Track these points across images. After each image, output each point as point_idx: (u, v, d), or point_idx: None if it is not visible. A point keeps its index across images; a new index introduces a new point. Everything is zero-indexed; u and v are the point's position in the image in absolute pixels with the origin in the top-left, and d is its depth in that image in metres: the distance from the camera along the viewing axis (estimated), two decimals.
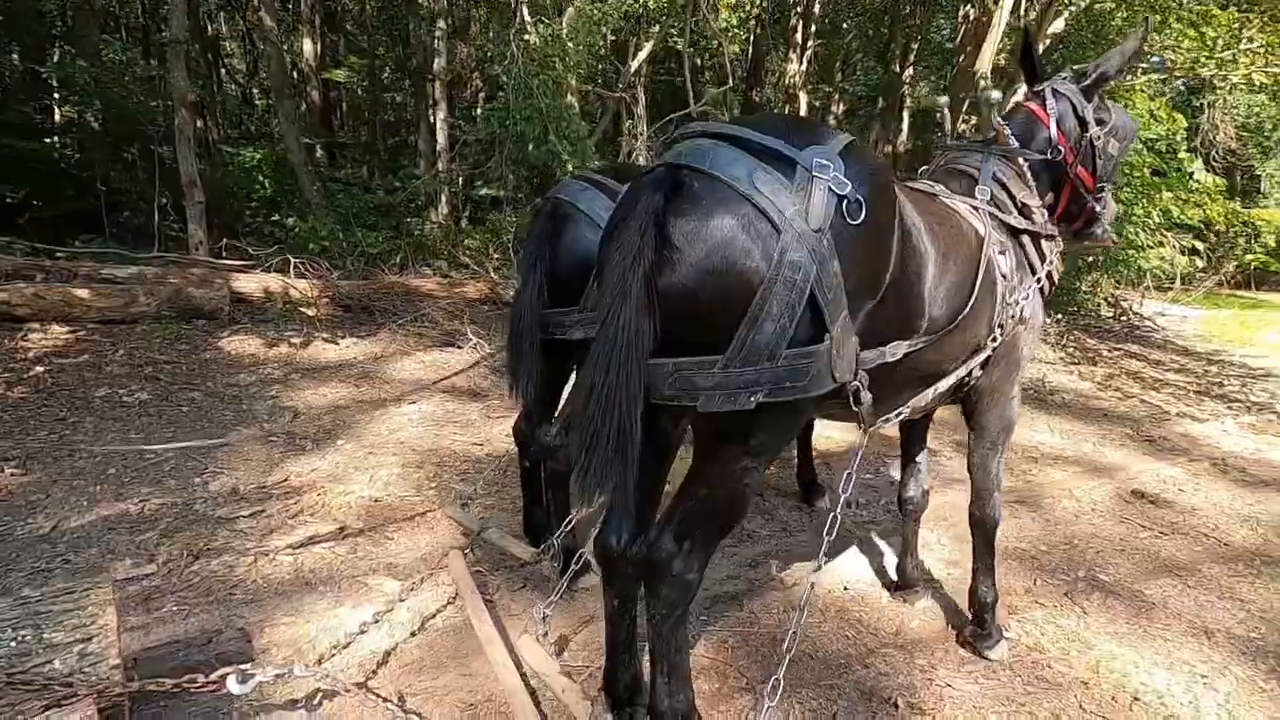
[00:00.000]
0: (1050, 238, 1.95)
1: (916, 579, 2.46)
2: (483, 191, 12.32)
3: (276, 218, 7.73)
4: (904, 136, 12.48)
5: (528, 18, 6.05)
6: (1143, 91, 8.91)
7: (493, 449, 3.74)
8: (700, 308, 1.28)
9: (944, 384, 1.74)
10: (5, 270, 5.16)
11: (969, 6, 7.34)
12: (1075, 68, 2.18)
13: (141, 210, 8.90)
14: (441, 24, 10.36)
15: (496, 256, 7.83)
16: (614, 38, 6.96)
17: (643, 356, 1.28)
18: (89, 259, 5.90)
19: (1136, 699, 1.99)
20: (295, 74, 11.60)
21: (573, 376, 2.47)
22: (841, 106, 12.92)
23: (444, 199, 10.48)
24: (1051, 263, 1.93)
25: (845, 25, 12.32)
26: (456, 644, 2.06)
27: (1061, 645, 2.23)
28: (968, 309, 1.66)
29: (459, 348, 5.64)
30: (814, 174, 1.29)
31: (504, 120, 5.49)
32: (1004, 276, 1.81)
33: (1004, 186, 1.97)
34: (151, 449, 3.30)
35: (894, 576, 2.53)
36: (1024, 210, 1.89)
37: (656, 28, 8.39)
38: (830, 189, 1.29)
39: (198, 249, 6.25)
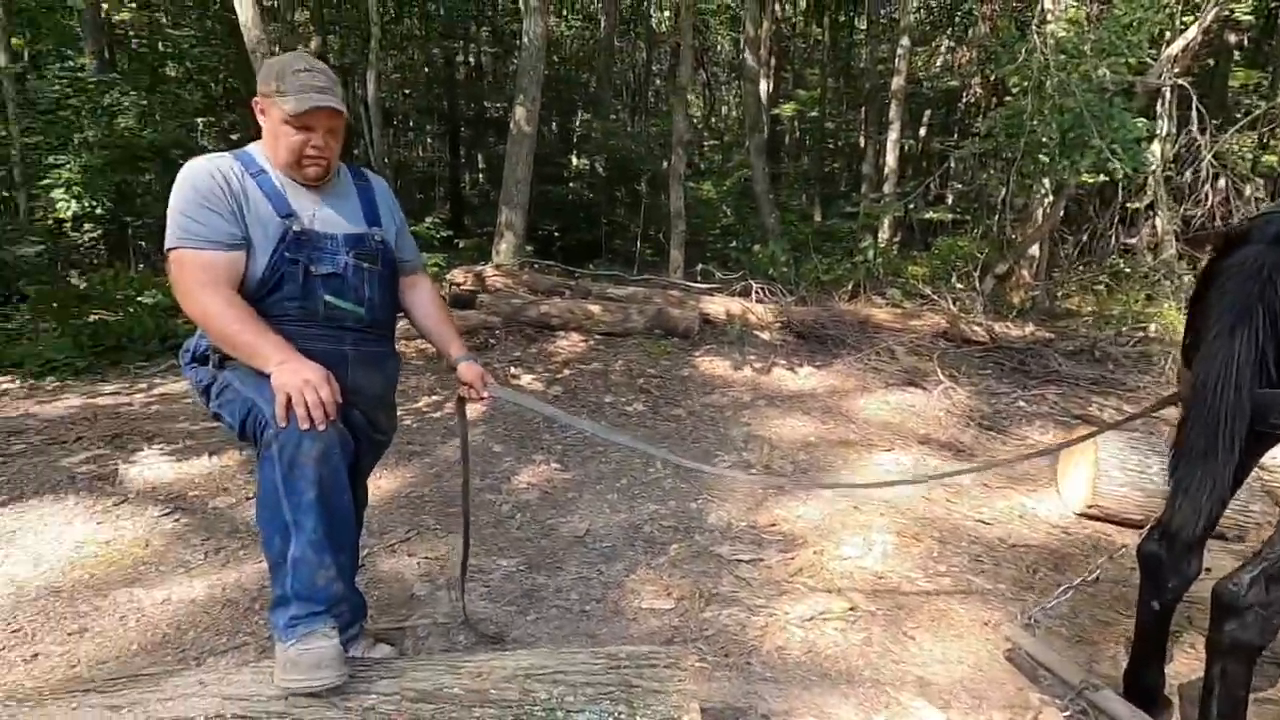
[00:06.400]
0: None
1: None
2: (927, 215, 11.35)
3: (735, 244, 8.19)
4: None
5: (1049, 4, 5.01)
6: None
7: (1006, 533, 2.95)
8: None
9: None
10: (546, 288, 6.38)
11: None
12: None
13: (628, 238, 10.53)
14: (905, 40, 9.80)
15: (960, 286, 6.87)
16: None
17: None
18: (596, 280, 7.00)
19: None
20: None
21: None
22: None
23: (886, 223, 9.90)
24: None
25: None
26: None
27: None
28: None
29: (924, 390, 4.93)
30: None
31: (1015, 129, 4.61)
32: None
33: None
34: (677, 460, 3.44)
35: None
36: None
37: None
38: None
39: (675, 273, 6.89)
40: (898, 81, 9.70)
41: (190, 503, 2.93)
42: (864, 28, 16.04)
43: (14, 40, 6.89)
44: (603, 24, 13.23)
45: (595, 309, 5.84)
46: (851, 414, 4.49)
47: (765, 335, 6.00)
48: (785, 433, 4.07)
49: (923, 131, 15.53)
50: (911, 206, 10.58)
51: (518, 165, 6.65)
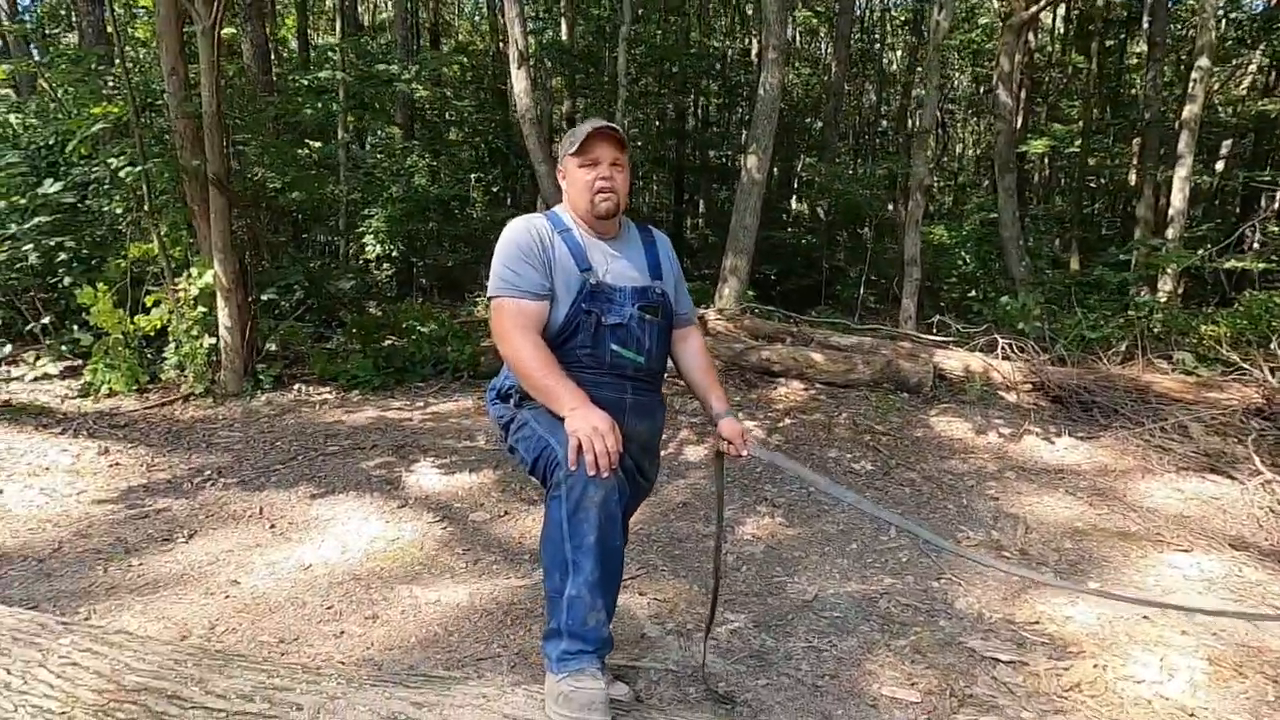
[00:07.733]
0: None
1: None
2: (1229, 264, 9.46)
3: (974, 293, 7.48)
4: None
5: None
6: None
7: None
8: None
9: None
10: (768, 333, 6.35)
11: None
12: None
13: (848, 284, 10.15)
14: (1204, 60, 8.37)
15: None
16: None
17: None
18: (818, 327, 6.80)
19: None
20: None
21: None
22: None
23: (1169, 273, 8.41)
24: None
25: None
26: None
27: None
28: None
29: (1233, 479, 4.02)
30: None
31: None
32: None
33: None
34: (903, 526, 3.20)
35: None
36: None
37: None
38: None
39: (906, 323, 6.46)
40: (1190, 109, 8.29)
41: (454, 513, 3.32)
42: (1138, 50, 14.04)
43: (349, 118, 8.65)
44: (833, 69, 13.10)
45: (818, 357, 5.68)
46: (1130, 499, 3.80)
47: (1011, 397, 5.37)
48: (1043, 513, 3.56)
49: (1219, 165, 13.07)
50: (1204, 252, 8.90)
51: (746, 212, 6.76)
